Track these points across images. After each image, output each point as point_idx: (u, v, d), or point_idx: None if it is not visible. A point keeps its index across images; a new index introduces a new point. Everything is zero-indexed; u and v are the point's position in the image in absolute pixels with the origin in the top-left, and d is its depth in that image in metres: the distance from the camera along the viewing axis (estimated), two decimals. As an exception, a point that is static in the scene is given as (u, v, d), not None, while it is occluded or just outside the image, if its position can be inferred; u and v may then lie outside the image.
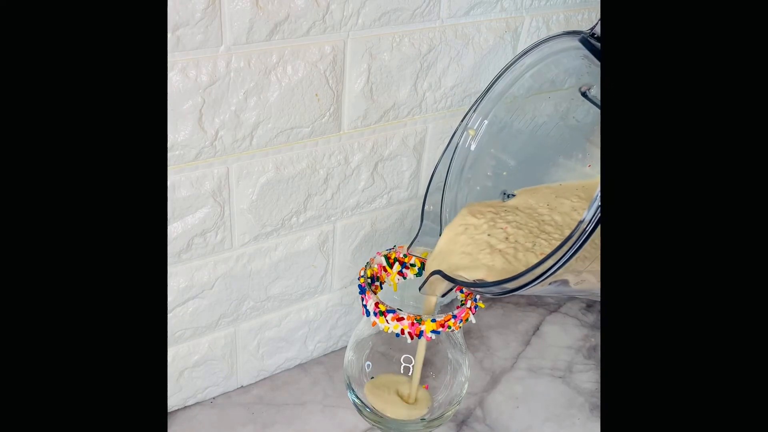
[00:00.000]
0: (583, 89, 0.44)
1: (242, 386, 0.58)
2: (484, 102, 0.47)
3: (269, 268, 0.53)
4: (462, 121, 0.48)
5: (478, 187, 0.50)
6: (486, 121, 0.48)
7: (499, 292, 0.39)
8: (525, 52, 0.45)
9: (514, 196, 0.49)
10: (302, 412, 0.55)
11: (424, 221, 0.49)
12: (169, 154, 0.44)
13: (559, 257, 0.35)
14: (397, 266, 0.51)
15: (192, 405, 0.55)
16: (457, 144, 0.49)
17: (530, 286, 0.37)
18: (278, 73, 0.45)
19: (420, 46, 0.51)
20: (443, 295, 0.46)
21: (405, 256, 0.51)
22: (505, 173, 0.49)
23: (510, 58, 0.56)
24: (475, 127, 0.48)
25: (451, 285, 0.44)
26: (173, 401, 0.54)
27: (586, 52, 0.40)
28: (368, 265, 0.50)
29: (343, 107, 0.50)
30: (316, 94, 0.48)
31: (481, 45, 0.54)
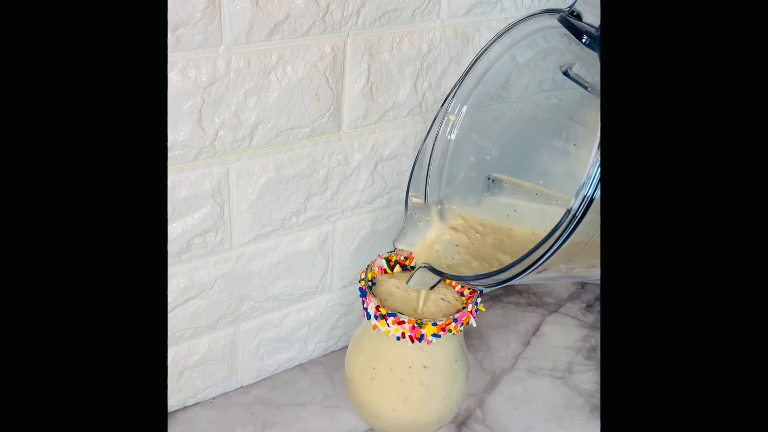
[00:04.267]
0: (564, 68, 0.43)
1: (242, 386, 0.58)
2: (462, 87, 0.47)
3: (269, 268, 0.53)
4: (441, 106, 0.48)
5: (462, 174, 0.49)
6: (465, 107, 0.48)
7: (490, 284, 0.40)
8: (502, 33, 0.44)
9: (497, 181, 0.48)
10: (302, 412, 0.55)
11: (407, 215, 0.49)
12: (169, 154, 0.44)
13: (548, 247, 0.36)
14: (398, 269, 0.51)
15: (192, 405, 0.55)
16: (438, 131, 0.49)
17: (522, 275, 0.38)
18: (278, 73, 0.45)
19: (420, 46, 0.51)
20: (431, 288, 0.47)
21: (406, 258, 0.51)
22: (488, 157, 0.49)
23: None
24: (455, 113, 0.48)
25: (438, 278, 0.45)
26: (173, 401, 0.54)
27: (565, 31, 0.40)
28: (369, 267, 0.50)
29: (343, 107, 0.49)
30: (316, 94, 0.48)
31: (481, 45, 0.54)
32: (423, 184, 0.49)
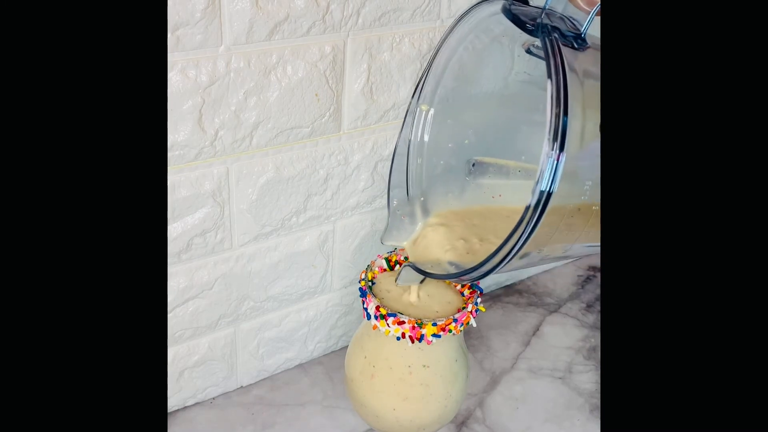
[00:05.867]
0: (525, 46, 0.42)
1: (242, 386, 0.58)
2: (427, 82, 0.47)
3: (269, 268, 0.53)
4: (411, 98, 0.48)
5: (442, 162, 0.49)
6: (436, 98, 0.47)
7: (470, 279, 0.41)
8: (455, 24, 0.44)
9: (478, 164, 0.48)
10: (302, 412, 0.55)
11: (390, 213, 0.49)
12: (169, 154, 0.44)
13: (513, 244, 0.36)
14: (398, 268, 0.51)
15: (192, 405, 0.55)
16: (412, 124, 0.48)
17: (496, 270, 0.38)
18: (278, 73, 0.45)
19: (420, 46, 0.51)
20: (421, 282, 0.47)
21: (406, 258, 0.51)
22: (467, 142, 0.49)
23: (508, 59, 0.56)
24: (426, 103, 0.48)
25: (422, 276, 0.45)
26: (173, 401, 0.54)
27: (521, 10, 0.40)
28: (369, 267, 0.50)
29: (343, 107, 0.49)
30: (316, 94, 0.48)
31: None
32: (404, 178, 0.49)
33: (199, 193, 0.46)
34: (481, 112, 0.49)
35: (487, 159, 0.49)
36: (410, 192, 0.49)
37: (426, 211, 0.49)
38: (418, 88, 0.47)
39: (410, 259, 0.48)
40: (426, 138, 0.49)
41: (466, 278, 0.41)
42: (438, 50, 0.46)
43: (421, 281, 0.48)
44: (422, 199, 0.49)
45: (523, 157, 0.48)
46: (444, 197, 0.49)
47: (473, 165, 0.48)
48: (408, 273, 0.46)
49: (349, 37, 0.47)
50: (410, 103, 0.48)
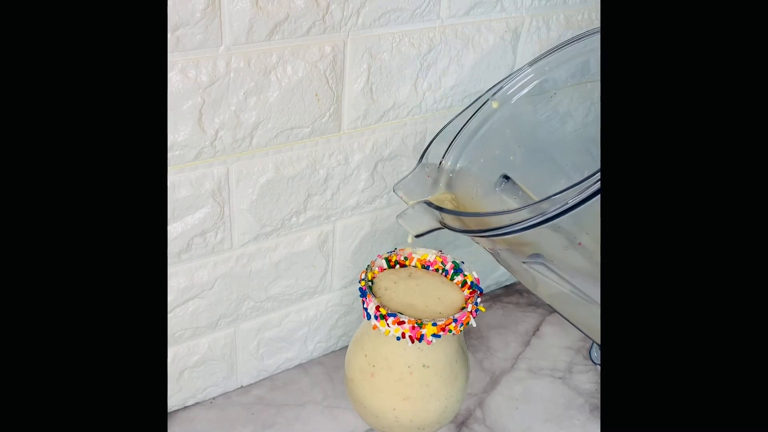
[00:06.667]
0: None
1: (242, 386, 0.58)
2: (533, 67, 0.46)
3: (269, 268, 0.53)
4: (511, 74, 0.47)
5: (482, 159, 0.48)
6: (534, 83, 0.46)
7: (489, 233, 0.39)
8: (579, 37, 0.43)
9: (510, 182, 0.48)
10: (302, 412, 0.55)
11: (419, 166, 0.48)
12: (169, 154, 0.44)
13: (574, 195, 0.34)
14: (397, 268, 0.51)
15: (192, 405, 0.55)
16: (477, 109, 0.47)
17: (528, 222, 0.36)
18: (278, 73, 0.45)
19: (420, 46, 0.51)
20: (417, 236, 0.45)
21: (406, 258, 0.51)
22: (511, 158, 0.48)
23: (510, 58, 0.56)
24: (498, 100, 0.46)
25: (429, 227, 0.43)
26: (173, 401, 0.54)
27: None
28: (369, 267, 0.50)
29: (343, 107, 0.50)
30: (316, 94, 0.48)
31: (481, 45, 0.54)
32: (446, 145, 0.48)
33: (199, 193, 0.46)
34: (537, 140, 0.48)
35: (520, 184, 0.48)
36: (444, 161, 0.48)
37: (449, 187, 0.49)
38: (525, 66, 0.46)
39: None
40: (481, 132, 0.48)
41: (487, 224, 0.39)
42: (556, 49, 0.44)
43: (417, 235, 0.45)
44: (451, 175, 0.48)
45: None
46: (469, 188, 0.48)
47: (506, 180, 0.48)
48: (415, 212, 0.43)
49: (349, 37, 0.47)
50: (507, 76, 0.46)
